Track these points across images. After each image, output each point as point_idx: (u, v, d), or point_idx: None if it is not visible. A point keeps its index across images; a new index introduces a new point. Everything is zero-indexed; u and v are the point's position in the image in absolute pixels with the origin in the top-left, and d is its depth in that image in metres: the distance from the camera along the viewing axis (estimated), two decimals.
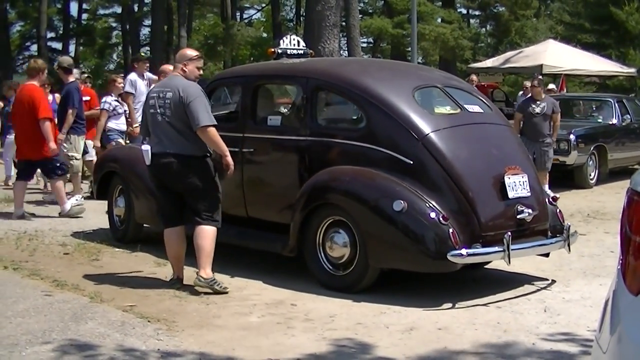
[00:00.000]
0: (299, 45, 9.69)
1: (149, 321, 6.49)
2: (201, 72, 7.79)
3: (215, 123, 7.42)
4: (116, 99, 13.48)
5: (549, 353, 5.81)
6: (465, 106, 8.15)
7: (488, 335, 6.21)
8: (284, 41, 9.71)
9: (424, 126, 7.52)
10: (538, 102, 13.90)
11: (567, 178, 15.61)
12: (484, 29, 54.12)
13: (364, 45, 49.91)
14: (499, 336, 6.20)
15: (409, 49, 32.69)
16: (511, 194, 7.43)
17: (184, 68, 7.59)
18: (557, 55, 23.80)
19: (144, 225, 9.75)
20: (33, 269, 8.35)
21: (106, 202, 10.23)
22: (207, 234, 7.49)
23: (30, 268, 8.41)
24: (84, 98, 13.28)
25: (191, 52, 7.92)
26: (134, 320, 6.51)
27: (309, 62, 9.54)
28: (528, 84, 14.52)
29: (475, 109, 8.25)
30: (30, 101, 11.43)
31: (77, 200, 12.04)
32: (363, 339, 6.11)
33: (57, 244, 9.76)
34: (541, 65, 22.63)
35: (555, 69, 23.23)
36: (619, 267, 2.83)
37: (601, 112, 17.61)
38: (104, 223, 10.59)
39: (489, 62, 26.42)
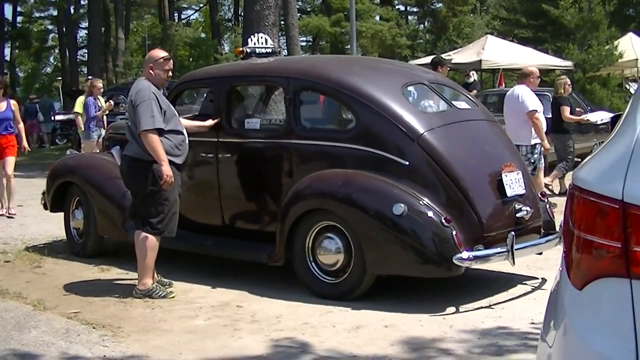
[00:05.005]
0: (267, 44, 9.20)
1: (94, 327, 6.43)
2: (170, 74, 7.57)
3: (159, 127, 7.13)
4: None
5: (493, 347, 5.86)
6: (454, 103, 8.01)
7: (434, 332, 6.25)
8: (251, 40, 9.24)
9: (418, 125, 7.21)
10: None
11: None
12: (422, 26, 54.45)
13: (303, 44, 49.86)
14: (445, 332, 6.24)
15: (348, 46, 32.72)
16: (509, 192, 7.25)
17: (150, 71, 7.41)
18: (495, 51, 24.09)
19: (104, 237, 9.29)
20: None
21: (45, 209, 9.98)
22: (141, 243, 7.33)
23: None
24: None
25: (158, 54, 7.60)
26: (78, 327, 6.44)
27: (285, 61, 9.18)
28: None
29: (463, 105, 8.07)
30: None
31: None
32: (310, 339, 6.11)
33: None
34: (480, 61, 22.88)
35: (494, 64, 23.49)
36: (562, 261, 2.86)
37: None
38: (45, 229, 10.46)
39: (427, 59, 26.56)
